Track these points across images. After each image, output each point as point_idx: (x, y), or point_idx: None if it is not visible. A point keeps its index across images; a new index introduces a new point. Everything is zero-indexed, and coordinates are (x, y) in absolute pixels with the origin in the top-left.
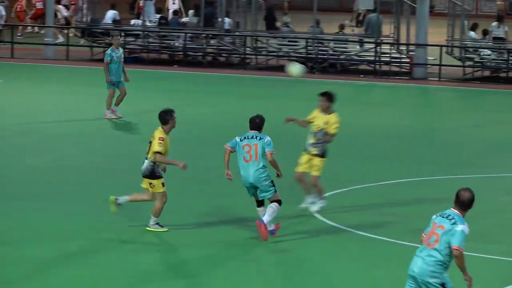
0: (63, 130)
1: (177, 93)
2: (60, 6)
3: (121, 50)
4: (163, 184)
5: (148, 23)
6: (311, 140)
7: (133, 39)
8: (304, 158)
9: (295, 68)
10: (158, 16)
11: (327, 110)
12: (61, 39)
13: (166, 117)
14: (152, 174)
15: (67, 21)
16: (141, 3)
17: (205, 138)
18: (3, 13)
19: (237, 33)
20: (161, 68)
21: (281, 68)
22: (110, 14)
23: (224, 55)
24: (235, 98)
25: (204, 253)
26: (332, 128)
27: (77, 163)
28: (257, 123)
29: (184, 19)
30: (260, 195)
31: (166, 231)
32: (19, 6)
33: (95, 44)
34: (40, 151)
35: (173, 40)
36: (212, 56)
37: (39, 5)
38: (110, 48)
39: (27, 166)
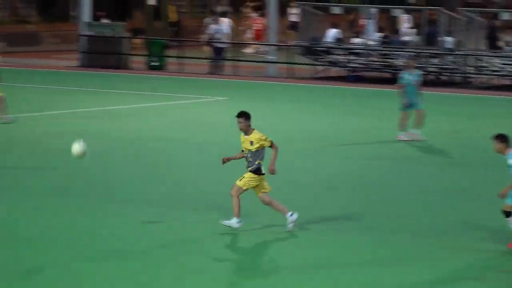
0: (288, 147)
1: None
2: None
3: (417, 72)
4: None
5: (369, 42)
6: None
7: (354, 57)
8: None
9: (76, 148)
10: (379, 34)
11: (248, 130)
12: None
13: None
14: None
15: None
16: (361, 22)
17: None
18: (228, 31)
19: (458, 52)
20: (383, 87)
21: (504, 88)
22: (332, 33)
23: (446, 74)
24: (461, 118)
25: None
26: (264, 143)
27: (307, 180)
28: None
29: (405, 38)
30: None
31: None
32: (258, 25)
33: (316, 63)
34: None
35: (395, 58)
36: (434, 74)
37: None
38: (404, 71)
39: None
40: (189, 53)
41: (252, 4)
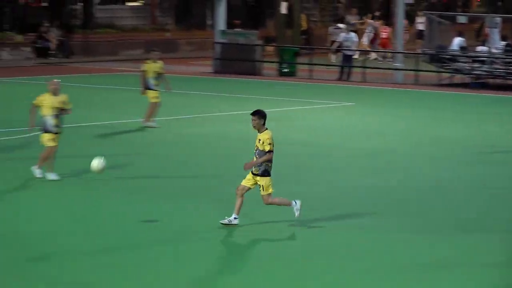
0: (415, 152)
1: None
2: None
3: None
4: None
5: (494, 50)
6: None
7: (479, 65)
8: (249, 176)
9: (95, 164)
10: (503, 43)
11: (260, 129)
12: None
13: None
14: None
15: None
16: (486, 30)
17: None
18: (356, 39)
19: None
20: (506, 93)
21: None
22: (457, 41)
23: None
24: None
25: None
26: (265, 145)
27: (421, 184)
28: None
29: None
30: None
31: None
32: (385, 33)
33: (442, 70)
34: (387, 172)
35: None
36: None
37: (384, 34)
38: None
39: (370, 186)
40: (319, 60)
41: (378, 13)
